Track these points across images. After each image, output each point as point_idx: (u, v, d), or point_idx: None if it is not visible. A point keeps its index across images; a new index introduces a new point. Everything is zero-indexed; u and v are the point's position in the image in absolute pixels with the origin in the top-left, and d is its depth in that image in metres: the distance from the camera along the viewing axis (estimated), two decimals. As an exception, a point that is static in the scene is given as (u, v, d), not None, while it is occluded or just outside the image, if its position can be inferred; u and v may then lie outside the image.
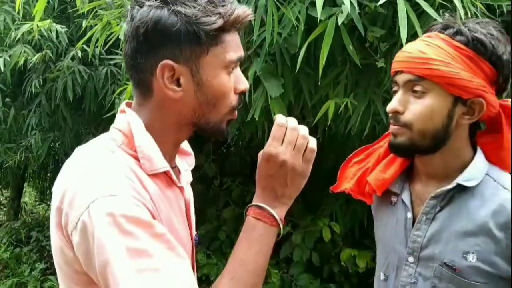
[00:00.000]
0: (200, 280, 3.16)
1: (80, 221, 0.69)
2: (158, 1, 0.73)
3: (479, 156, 0.96)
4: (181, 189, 0.87)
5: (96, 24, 2.15)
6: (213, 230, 3.29)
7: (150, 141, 0.78)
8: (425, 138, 0.92)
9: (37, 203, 6.04)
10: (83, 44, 2.44)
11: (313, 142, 0.83)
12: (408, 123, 0.92)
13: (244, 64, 1.76)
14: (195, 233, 0.95)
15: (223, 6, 0.74)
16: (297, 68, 1.57)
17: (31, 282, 3.81)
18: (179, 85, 0.76)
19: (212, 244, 3.25)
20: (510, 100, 0.96)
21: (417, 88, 0.91)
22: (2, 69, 2.79)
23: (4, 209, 5.54)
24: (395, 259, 1.03)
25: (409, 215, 1.01)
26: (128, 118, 0.79)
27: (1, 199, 5.41)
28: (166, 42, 0.74)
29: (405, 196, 1.02)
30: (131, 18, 0.75)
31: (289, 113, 1.80)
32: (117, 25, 1.99)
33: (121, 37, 1.83)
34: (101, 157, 0.76)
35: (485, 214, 0.91)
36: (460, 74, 0.88)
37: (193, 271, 0.92)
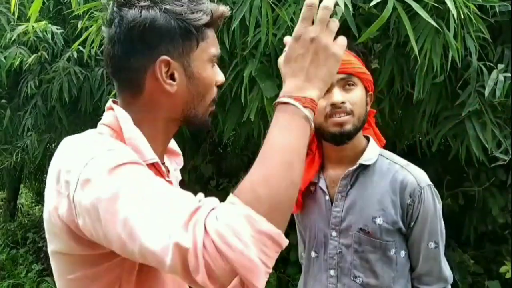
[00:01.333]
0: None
1: (81, 178, 0.67)
2: (147, 2, 0.77)
3: (372, 141, 1.22)
4: (170, 182, 0.86)
5: (91, 25, 2.15)
6: (209, 230, 3.29)
7: (139, 134, 0.80)
8: (360, 122, 1.16)
9: (33, 204, 6.03)
10: (78, 45, 2.44)
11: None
12: (352, 110, 1.14)
13: (240, 65, 1.77)
14: None
15: (202, 3, 0.80)
16: (292, 69, 1.57)
17: (27, 284, 3.80)
18: (173, 79, 0.80)
19: (209, 244, 3.24)
20: None
21: (349, 83, 1.15)
22: (-2, 70, 2.79)
23: (0, 210, 5.52)
24: (321, 237, 1.24)
25: (327, 197, 1.23)
26: (115, 113, 0.80)
27: (-3, 200, 5.40)
28: (162, 39, 0.77)
29: (322, 183, 1.24)
30: (120, 20, 0.77)
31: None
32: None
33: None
34: (91, 136, 0.77)
35: (384, 185, 1.17)
36: (366, 71, 1.17)
37: None
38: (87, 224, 0.68)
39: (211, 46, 0.83)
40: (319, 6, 0.73)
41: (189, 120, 0.85)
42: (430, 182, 1.18)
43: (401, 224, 1.16)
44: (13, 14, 2.49)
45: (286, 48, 0.76)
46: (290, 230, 2.80)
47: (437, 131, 1.92)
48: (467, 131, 1.78)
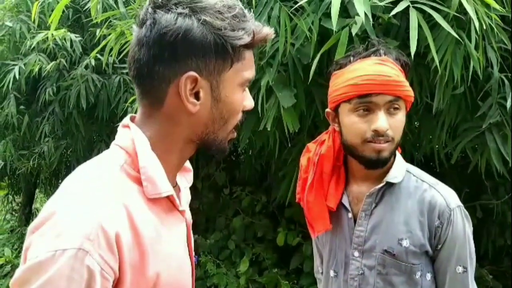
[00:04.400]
0: (209, 290, 3.15)
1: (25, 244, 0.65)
2: (186, 9, 0.70)
3: (398, 157, 1.15)
4: (182, 212, 0.82)
5: (110, 34, 2.18)
6: (222, 239, 3.28)
7: (155, 162, 0.74)
8: (396, 147, 1.09)
9: (48, 209, 6.08)
10: (97, 53, 2.47)
11: None
12: (393, 138, 1.06)
13: (257, 74, 1.76)
14: (194, 255, 0.91)
15: (245, 21, 0.73)
16: (310, 78, 1.56)
17: None
18: (197, 98, 0.73)
19: (222, 253, 3.23)
20: None
21: (395, 106, 1.05)
22: (17, 77, 2.84)
23: (16, 215, 5.59)
24: (342, 256, 1.17)
25: (350, 215, 1.16)
26: (132, 135, 0.74)
27: (13, 205, 5.46)
28: (193, 53, 0.71)
29: (345, 200, 1.16)
30: (153, 23, 0.71)
31: (301, 124, 1.80)
32: (131, 34, 2.01)
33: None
34: (92, 190, 0.69)
35: (411, 205, 1.10)
36: (412, 92, 1.07)
37: None
38: None
39: (246, 69, 0.76)
40: None
41: (207, 144, 0.78)
42: (460, 203, 1.10)
43: (428, 247, 1.09)
44: (34, 22, 2.54)
45: None
46: (304, 241, 2.78)
47: (457, 143, 1.89)
48: (487, 144, 1.75)
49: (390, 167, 1.12)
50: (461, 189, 2.67)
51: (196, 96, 0.73)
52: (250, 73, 0.77)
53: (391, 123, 1.05)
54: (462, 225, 1.10)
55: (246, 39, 0.72)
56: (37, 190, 5.49)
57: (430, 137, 2.05)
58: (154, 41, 0.71)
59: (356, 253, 1.14)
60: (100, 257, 0.63)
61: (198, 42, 0.70)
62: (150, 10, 0.72)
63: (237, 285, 2.96)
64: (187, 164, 0.90)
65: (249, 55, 0.76)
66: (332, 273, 1.19)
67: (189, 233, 0.86)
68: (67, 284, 0.61)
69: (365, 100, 1.04)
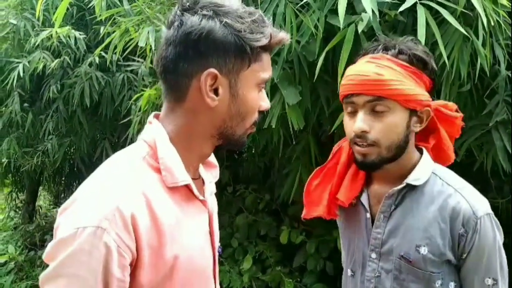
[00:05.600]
0: None
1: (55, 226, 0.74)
2: (210, 12, 0.77)
3: (425, 157, 1.07)
4: (203, 202, 0.86)
5: (114, 31, 2.17)
6: (226, 237, 3.28)
7: (173, 153, 0.80)
8: (391, 151, 1.01)
9: (52, 206, 6.10)
10: (101, 51, 2.47)
11: None
12: (376, 141, 1.00)
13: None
14: (218, 244, 0.94)
15: (264, 26, 0.79)
16: (316, 75, 1.56)
17: (45, 286, 3.83)
18: (216, 94, 0.79)
19: (225, 251, 3.23)
20: (436, 102, 1.08)
21: (379, 107, 0.98)
22: (21, 74, 2.84)
23: (19, 212, 5.60)
24: (359, 256, 1.12)
25: (368, 215, 1.10)
26: (153, 130, 0.82)
27: (16, 202, 5.48)
28: (215, 52, 0.77)
29: (364, 199, 1.11)
30: (179, 24, 0.78)
31: (306, 121, 1.79)
32: (136, 32, 2.01)
33: (141, 44, 1.84)
34: (113, 178, 0.77)
35: (433, 210, 1.02)
36: (414, 90, 0.99)
37: (215, 282, 0.91)
38: None
39: (263, 70, 0.82)
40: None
41: (225, 138, 0.84)
42: (489, 211, 1.01)
43: (450, 256, 1.01)
44: (38, 19, 2.54)
45: None
46: (308, 239, 2.76)
47: (462, 141, 1.88)
48: (493, 142, 1.73)
49: (414, 166, 1.05)
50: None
51: (216, 92, 0.79)
52: (266, 74, 0.83)
53: (374, 126, 0.99)
54: (492, 234, 1.00)
55: (264, 41, 0.78)
56: (40, 188, 5.50)
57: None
58: (180, 40, 0.78)
59: (374, 255, 1.09)
60: (116, 235, 0.70)
61: (219, 41, 0.77)
62: (178, 13, 0.80)
63: (240, 282, 2.96)
64: (213, 160, 0.97)
65: (266, 57, 0.82)
66: (349, 272, 1.16)
67: (211, 223, 0.90)
68: (87, 258, 0.69)
69: (348, 100, 1.03)
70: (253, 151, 3.37)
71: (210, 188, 0.94)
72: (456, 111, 1.10)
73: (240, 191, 3.32)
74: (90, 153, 3.40)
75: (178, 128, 0.82)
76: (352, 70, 1.04)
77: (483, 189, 2.78)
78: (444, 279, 1.03)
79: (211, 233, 0.90)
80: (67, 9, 2.85)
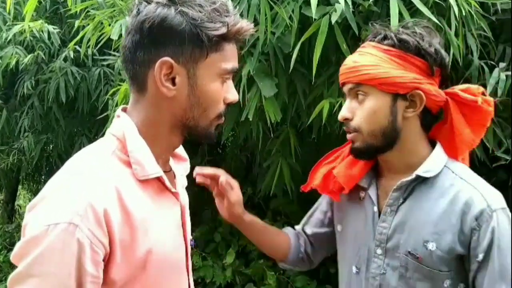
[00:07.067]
0: (196, 283, 3.13)
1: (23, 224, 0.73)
2: (166, 0, 0.76)
3: (438, 149, 1.02)
4: (175, 194, 0.86)
5: (88, 24, 2.13)
6: (208, 232, 3.26)
7: (143, 146, 0.79)
8: (376, 137, 0.99)
9: (31, 206, 6.00)
10: (75, 44, 2.42)
11: None
12: (358, 127, 1.00)
13: (238, 64, 1.74)
14: (191, 237, 0.94)
15: (227, 16, 0.78)
16: (291, 68, 1.55)
17: (24, 286, 3.77)
18: (174, 84, 0.78)
19: (208, 246, 3.22)
20: (458, 87, 1.03)
21: (359, 94, 0.99)
22: (-6, 70, 2.77)
23: (-2, 212, 5.49)
24: (365, 252, 1.07)
25: (375, 209, 1.06)
26: (122, 123, 0.81)
27: (-6, 202, 5.37)
28: (169, 40, 0.76)
29: (372, 191, 1.08)
30: (137, 12, 0.77)
31: (283, 113, 1.79)
32: (109, 25, 1.97)
33: (113, 37, 1.80)
34: (83, 173, 0.75)
35: (444, 204, 0.97)
36: (390, 73, 0.95)
37: (188, 274, 0.91)
38: None
39: (224, 60, 0.79)
40: None
41: (189, 128, 0.83)
42: (505, 206, 0.96)
43: (461, 251, 0.95)
44: (9, 13, 2.47)
45: None
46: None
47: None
48: (468, 131, 1.75)
49: (424, 158, 1.01)
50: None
51: (173, 82, 0.78)
52: (229, 64, 0.80)
53: (357, 113, 1.00)
54: (509, 231, 0.94)
55: (222, 30, 0.76)
56: (19, 187, 5.39)
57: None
58: (136, 28, 0.77)
59: (379, 251, 1.04)
60: (89, 231, 0.69)
61: (174, 30, 0.75)
62: (137, 1, 0.79)
63: (224, 277, 2.95)
64: (183, 153, 0.97)
65: (229, 47, 0.80)
66: (354, 269, 1.10)
67: (183, 216, 0.90)
68: (60, 255, 0.68)
69: (343, 90, 1.06)
70: (234, 145, 3.36)
71: (182, 181, 0.93)
72: (483, 94, 1.01)
73: (222, 186, 3.31)
74: (68, 150, 3.34)
75: (144, 120, 0.81)
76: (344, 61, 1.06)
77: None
78: (454, 279, 0.97)
79: (183, 226, 0.89)
80: (40, 2, 2.79)
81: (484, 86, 1.64)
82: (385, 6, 1.53)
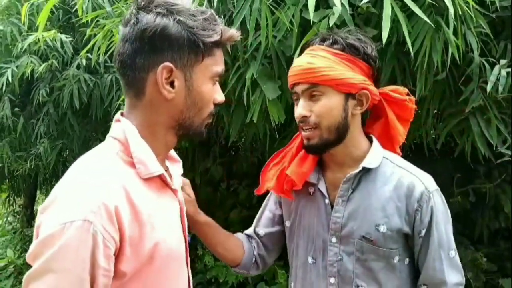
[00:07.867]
0: (209, 282, 3.18)
1: (36, 224, 0.78)
2: (164, 10, 0.82)
3: (376, 143, 1.15)
4: (174, 191, 0.92)
5: (99, 33, 2.20)
6: (220, 232, 3.30)
7: (145, 146, 0.85)
8: (331, 132, 1.10)
9: (50, 210, 6.12)
10: (86, 52, 2.49)
11: None
12: (317, 123, 1.09)
13: (242, 67, 1.79)
14: (188, 234, 0.99)
15: (216, 24, 0.86)
16: (293, 70, 1.58)
17: (44, 288, 3.86)
18: (172, 87, 0.85)
19: (220, 246, 3.26)
20: (387, 88, 1.18)
21: (315, 93, 1.08)
22: (10, 79, 2.86)
23: (18, 216, 5.63)
24: (320, 242, 1.17)
25: (327, 201, 1.17)
26: (123, 126, 0.86)
27: (14, 207, 5.50)
28: (169, 47, 0.83)
29: (321, 185, 1.18)
30: (136, 21, 0.83)
31: (287, 115, 1.82)
32: (118, 33, 2.03)
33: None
34: (92, 173, 0.80)
35: (388, 190, 1.10)
36: (344, 74, 1.07)
37: (188, 269, 0.96)
38: None
39: (216, 64, 0.88)
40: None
41: (184, 128, 0.89)
42: (437, 187, 1.12)
43: (407, 230, 1.10)
44: (24, 24, 2.55)
45: None
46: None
47: (442, 128, 1.91)
48: (471, 128, 1.77)
49: (366, 152, 1.14)
50: (453, 175, 2.70)
51: (172, 85, 0.85)
52: (219, 67, 0.89)
53: (313, 110, 1.09)
54: (444, 207, 1.11)
55: (215, 37, 0.85)
56: (38, 192, 5.52)
57: (418, 124, 2.07)
58: (136, 36, 0.83)
59: (334, 239, 1.14)
60: (102, 227, 0.74)
61: (173, 37, 0.82)
62: (134, 11, 0.85)
63: (236, 276, 3.00)
64: (175, 155, 1.03)
65: (218, 53, 0.89)
66: (310, 260, 1.20)
67: (182, 213, 0.96)
68: (75, 250, 0.72)
69: (292, 91, 1.15)
70: (245, 147, 3.40)
71: (178, 181, 1.00)
72: (408, 94, 1.18)
73: (234, 187, 3.35)
74: (83, 155, 3.42)
75: (142, 123, 0.87)
76: (293, 63, 1.14)
77: (472, 176, 2.81)
78: (401, 255, 1.11)
79: (182, 223, 0.95)
80: (53, 12, 2.88)
81: (486, 83, 1.66)
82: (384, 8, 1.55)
